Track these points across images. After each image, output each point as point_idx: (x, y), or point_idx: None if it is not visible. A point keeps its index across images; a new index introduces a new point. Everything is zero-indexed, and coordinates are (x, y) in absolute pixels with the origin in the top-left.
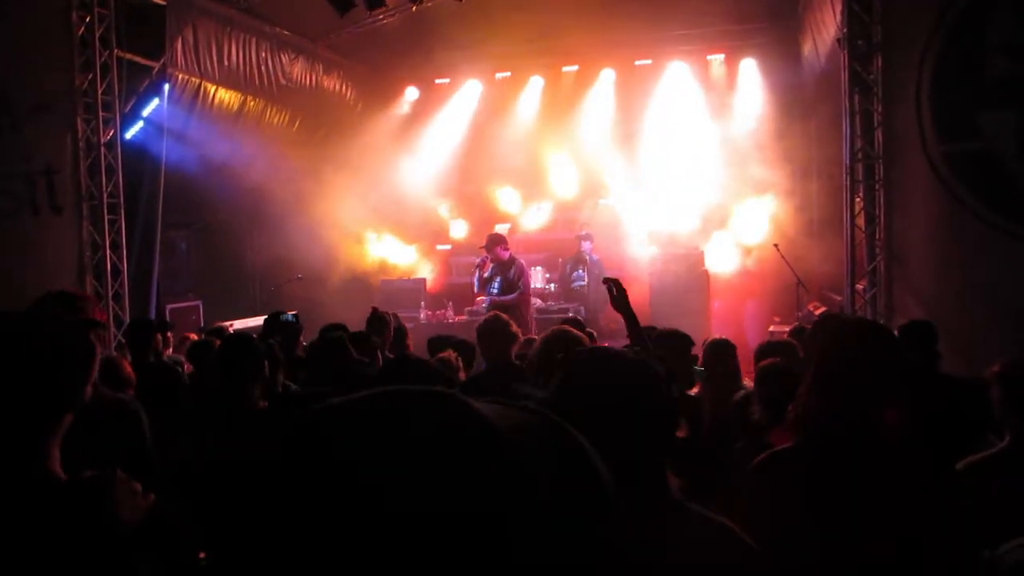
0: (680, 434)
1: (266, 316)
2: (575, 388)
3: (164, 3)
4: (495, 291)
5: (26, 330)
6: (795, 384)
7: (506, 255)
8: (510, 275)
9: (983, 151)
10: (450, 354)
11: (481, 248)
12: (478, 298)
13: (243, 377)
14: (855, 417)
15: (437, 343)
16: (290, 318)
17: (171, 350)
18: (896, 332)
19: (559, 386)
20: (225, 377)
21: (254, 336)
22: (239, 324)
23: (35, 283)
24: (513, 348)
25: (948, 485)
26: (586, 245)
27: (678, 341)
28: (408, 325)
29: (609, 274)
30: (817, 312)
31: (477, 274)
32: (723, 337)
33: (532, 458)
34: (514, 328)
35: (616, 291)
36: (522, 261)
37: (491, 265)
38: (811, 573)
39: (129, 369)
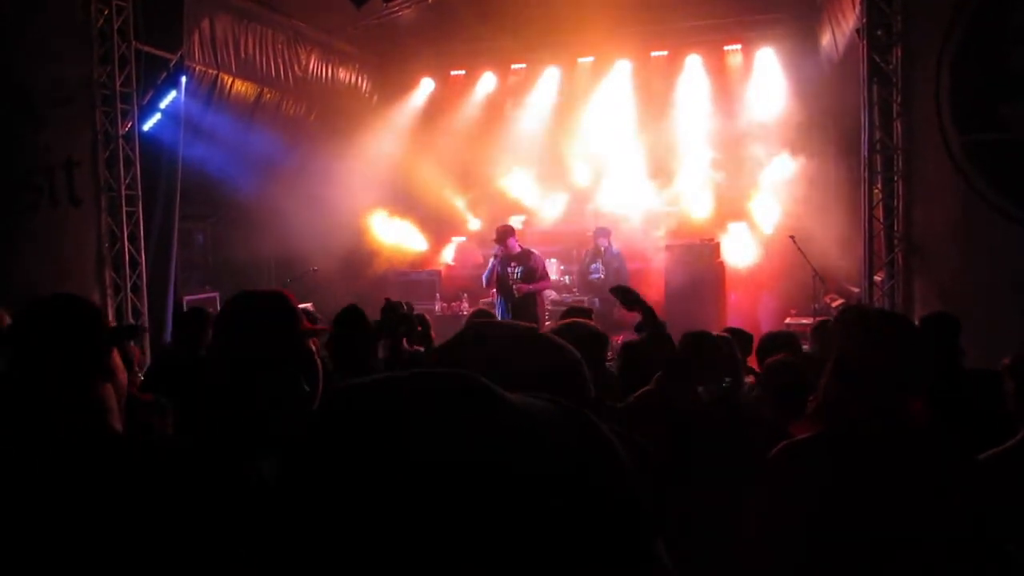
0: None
1: None
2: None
3: None
4: (519, 281)
5: (65, 305)
6: (800, 377)
7: (517, 247)
8: (531, 265)
9: (1003, 142)
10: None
11: (493, 241)
12: (492, 290)
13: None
14: (878, 406)
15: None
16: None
17: None
18: (917, 324)
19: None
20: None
21: None
22: None
23: (54, 275)
24: None
25: (971, 476)
26: (602, 241)
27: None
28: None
29: (630, 266)
30: (834, 304)
31: (488, 269)
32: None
33: (558, 443)
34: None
35: (624, 298)
36: (537, 253)
37: (502, 258)
38: (832, 561)
39: (138, 355)
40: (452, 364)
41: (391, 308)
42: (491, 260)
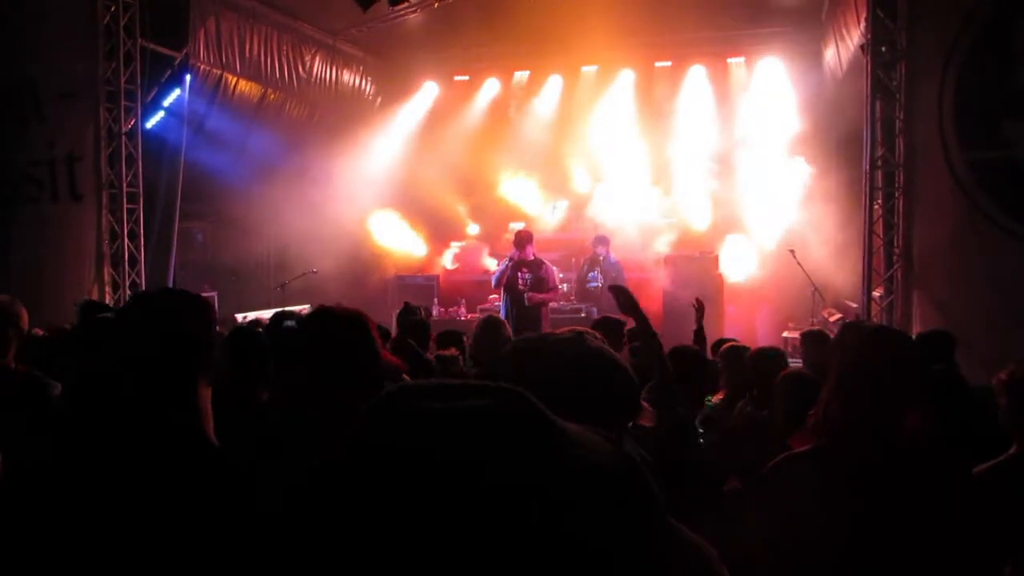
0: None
1: (271, 318)
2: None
3: None
4: (528, 289)
5: (183, 304)
6: (811, 390)
7: (532, 255)
8: (541, 274)
9: (1006, 160)
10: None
11: (512, 244)
12: (491, 295)
13: (249, 368)
14: (876, 422)
15: (445, 338)
16: (292, 324)
17: None
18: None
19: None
20: (234, 368)
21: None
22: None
23: (54, 269)
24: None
25: (967, 491)
26: (601, 249)
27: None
28: None
29: (628, 276)
30: (832, 319)
31: (500, 270)
32: (736, 342)
33: (611, 483)
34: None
35: (622, 298)
36: (549, 263)
37: (516, 262)
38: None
39: None
40: (505, 375)
41: (409, 312)
42: (503, 262)
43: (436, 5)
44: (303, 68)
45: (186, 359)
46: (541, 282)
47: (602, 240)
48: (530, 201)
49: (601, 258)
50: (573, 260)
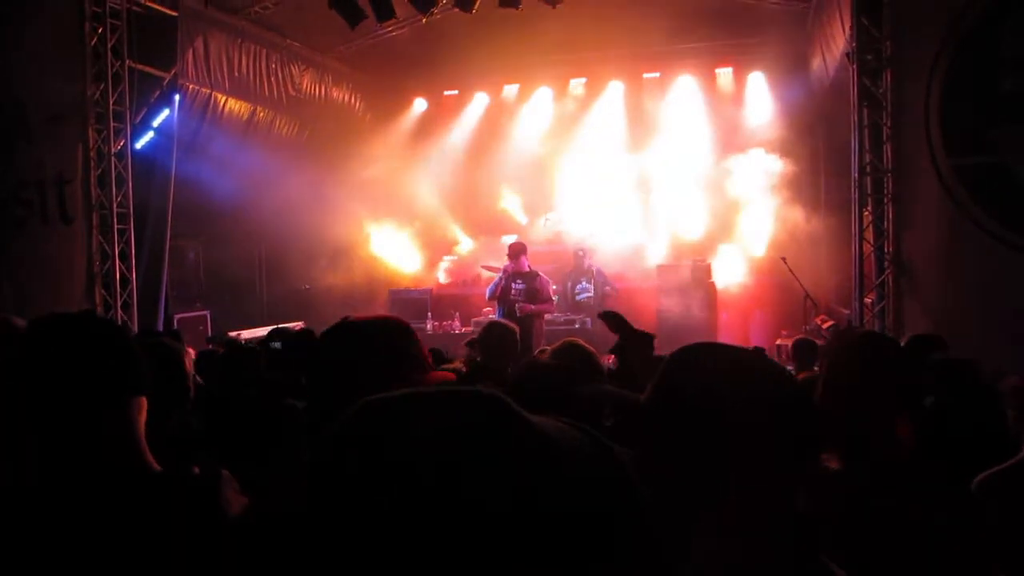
0: (833, 465)
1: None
2: (678, 384)
3: (176, 14)
4: (521, 299)
5: (80, 325)
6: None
7: (527, 266)
8: (536, 285)
9: (993, 165)
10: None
11: (507, 256)
12: (485, 308)
13: (242, 383)
14: (866, 430)
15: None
16: (277, 346)
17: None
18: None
19: (660, 383)
20: (228, 383)
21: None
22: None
23: (45, 292)
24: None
25: (961, 498)
26: (587, 260)
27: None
28: None
29: (620, 287)
30: (825, 325)
31: (494, 282)
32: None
33: (580, 477)
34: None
35: (612, 322)
36: (544, 275)
37: (510, 274)
38: None
39: None
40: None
41: None
42: (499, 274)
43: (424, 21)
44: (292, 86)
45: (84, 391)
46: (535, 293)
47: (586, 252)
48: (521, 213)
49: (586, 268)
50: (565, 272)
